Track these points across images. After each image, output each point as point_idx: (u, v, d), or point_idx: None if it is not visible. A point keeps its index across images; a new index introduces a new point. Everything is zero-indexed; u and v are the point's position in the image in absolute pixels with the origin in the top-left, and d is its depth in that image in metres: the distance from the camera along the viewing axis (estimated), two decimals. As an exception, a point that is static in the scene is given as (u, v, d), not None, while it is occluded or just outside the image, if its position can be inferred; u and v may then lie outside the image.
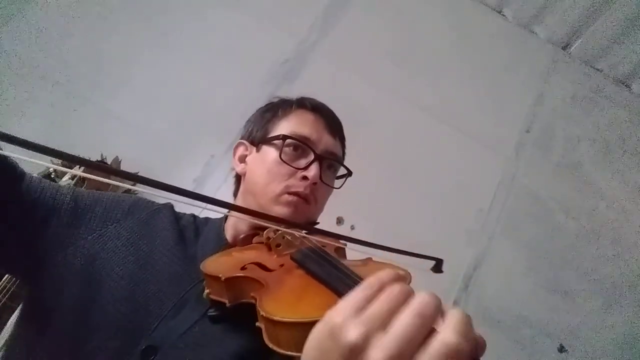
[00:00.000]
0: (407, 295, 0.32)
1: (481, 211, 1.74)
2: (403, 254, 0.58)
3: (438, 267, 0.61)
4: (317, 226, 0.74)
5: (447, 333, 0.29)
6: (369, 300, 0.32)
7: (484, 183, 1.80)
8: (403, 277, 0.35)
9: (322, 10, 1.98)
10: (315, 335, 0.33)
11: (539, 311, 1.62)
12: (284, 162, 0.68)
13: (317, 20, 1.95)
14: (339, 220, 1.59)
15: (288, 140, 0.70)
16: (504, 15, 2.16)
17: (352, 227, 1.60)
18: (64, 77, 1.66)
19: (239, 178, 0.79)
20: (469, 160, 1.83)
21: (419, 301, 0.31)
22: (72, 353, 0.52)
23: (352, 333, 0.30)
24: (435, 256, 0.61)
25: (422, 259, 0.62)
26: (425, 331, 0.29)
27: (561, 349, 1.57)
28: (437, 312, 0.30)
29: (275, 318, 0.39)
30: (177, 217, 0.72)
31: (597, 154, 1.94)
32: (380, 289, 0.33)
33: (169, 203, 0.74)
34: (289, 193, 0.67)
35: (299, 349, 0.35)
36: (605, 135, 1.98)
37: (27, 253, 0.57)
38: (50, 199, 0.60)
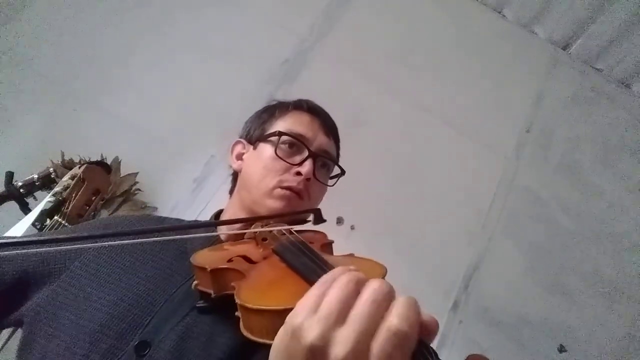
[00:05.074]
0: (357, 284, 0.32)
1: (481, 211, 1.74)
2: (281, 216, 0.63)
3: (318, 217, 0.63)
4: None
5: (390, 319, 0.29)
6: (323, 296, 0.32)
7: (484, 183, 1.80)
8: (356, 269, 0.35)
9: (322, 10, 1.98)
10: (279, 339, 0.33)
11: (539, 311, 1.62)
12: (279, 157, 0.70)
13: (317, 20, 1.95)
14: (339, 220, 1.59)
15: (283, 137, 0.72)
16: (504, 15, 2.16)
17: (352, 227, 1.60)
18: (64, 77, 1.66)
19: (235, 176, 0.81)
20: (469, 160, 1.83)
21: (370, 289, 0.31)
22: (65, 356, 0.52)
23: (310, 334, 0.30)
24: (319, 213, 0.64)
25: (302, 214, 0.66)
26: (379, 318, 0.30)
27: (561, 349, 1.57)
28: (388, 296, 0.31)
29: (248, 305, 0.40)
30: (160, 221, 0.75)
31: (597, 154, 1.94)
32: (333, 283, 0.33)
33: (152, 212, 0.76)
34: (282, 187, 0.69)
35: (271, 336, 0.35)
36: (605, 135, 1.98)
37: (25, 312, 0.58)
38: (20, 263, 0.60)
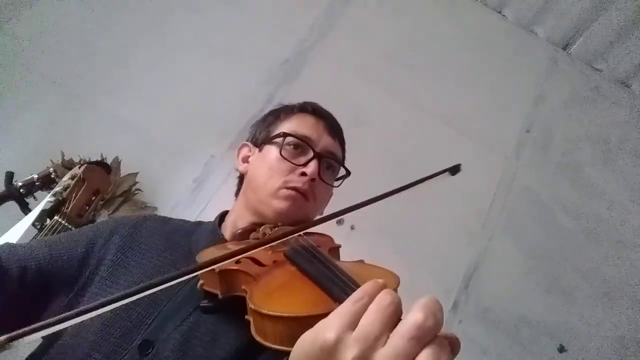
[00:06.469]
0: (397, 307, 0.31)
1: (481, 211, 1.74)
2: (419, 183, 0.60)
3: (455, 169, 0.63)
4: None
5: None
6: (360, 313, 0.31)
7: (484, 183, 1.80)
8: (386, 285, 0.34)
9: (322, 10, 1.98)
10: (306, 351, 0.32)
11: (539, 311, 1.61)
12: (284, 158, 0.71)
13: (317, 20, 1.95)
14: (339, 221, 1.59)
15: (289, 139, 0.72)
16: (504, 15, 2.16)
17: (352, 227, 1.60)
18: (64, 77, 1.66)
19: (241, 179, 0.82)
20: (469, 161, 1.82)
21: (411, 324, 0.29)
22: (68, 355, 0.52)
23: (349, 353, 0.29)
24: (451, 166, 0.62)
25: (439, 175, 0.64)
26: (418, 349, 0.29)
27: (561, 349, 1.57)
28: (430, 332, 0.29)
29: (263, 311, 0.39)
30: (164, 221, 0.74)
31: (597, 154, 1.94)
32: (370, 300, 0.32)
33: (152, 212, 0.76)
34: (288, 188, 0.69)
35: (284, 342, 0.35)
36: (605, 135, 1.98)
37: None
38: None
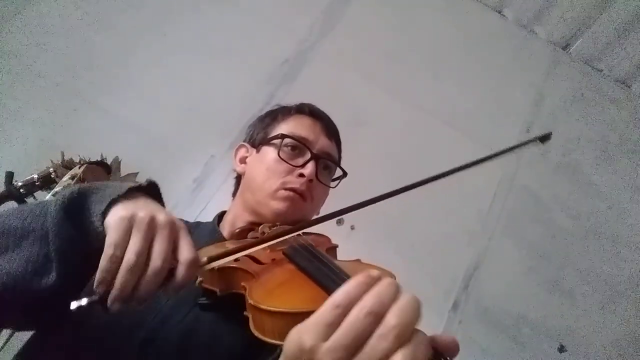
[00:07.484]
0: (377, 316, 0.30)
1: (481, 211, 1.74)
2: (507, 152, 0.56)
3: (546, 137, 0.64)
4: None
5: None
6: (339, 319, 0.31)
7: (484, 183, 1.79)
8: (375, 279, 0.33)
9: (322, 10, 1.98)
10: (289, 347, 0.33)
11: (539, 311, 1.61)
12: (282, 159, 0.72)
13: (317, 20, 1.95)
14: (339, 221, 1.59)
15: (286, 140, 0.73)
16: (504, 15, 2.16)
17: (352, 227, 1.60)
18: (64, 77, 1.66)
19: (239, 179, 0.83)
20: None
21: (393, 334, 0.29)
22: (70, 354, 0.52)
23: None
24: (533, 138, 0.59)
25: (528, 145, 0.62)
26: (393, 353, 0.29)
27: (561, 349, 1.57)
28: (407, 337, 0.30)
29: (263, 307, 0.40)
30: None
31: (597, 154, 1.94)
32: (351, 304, 0.31)
33: None
34: (286, 189, 0.70)
35: (283, 337, 0.36)
36: (605, 135, 1.98)
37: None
38: None
